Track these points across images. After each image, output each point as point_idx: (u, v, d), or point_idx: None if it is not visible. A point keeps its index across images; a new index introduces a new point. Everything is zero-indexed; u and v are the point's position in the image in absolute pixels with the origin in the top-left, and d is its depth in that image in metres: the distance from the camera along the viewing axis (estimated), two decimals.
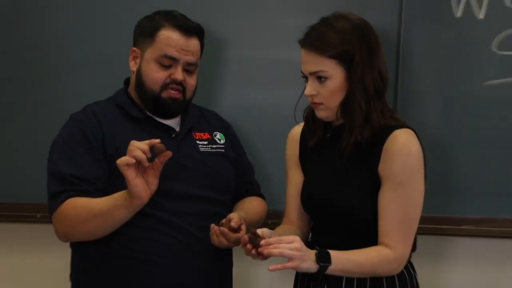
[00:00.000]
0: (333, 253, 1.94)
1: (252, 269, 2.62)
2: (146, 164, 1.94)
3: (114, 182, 2.09)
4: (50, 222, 2.13)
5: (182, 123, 2.24)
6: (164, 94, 2.16)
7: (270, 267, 1.87)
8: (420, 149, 2.01)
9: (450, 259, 2.72)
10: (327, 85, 2.01)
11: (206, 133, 2.28)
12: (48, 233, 2.18)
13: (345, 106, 2.03)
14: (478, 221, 2.60)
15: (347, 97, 2.02)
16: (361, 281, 2.04)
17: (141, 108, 2.21)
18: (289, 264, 1.88)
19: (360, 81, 2.00)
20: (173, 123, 2.23)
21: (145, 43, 2.17)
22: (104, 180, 2.12)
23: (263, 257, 1.93)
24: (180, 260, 2.12)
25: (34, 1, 2.64)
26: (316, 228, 2.19)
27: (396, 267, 2.02)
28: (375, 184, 2.02)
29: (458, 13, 2.56)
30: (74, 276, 2.24)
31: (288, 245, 1.89)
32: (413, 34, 2.58)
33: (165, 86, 2.16)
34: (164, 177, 1.99)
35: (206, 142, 2.25)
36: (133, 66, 2.21)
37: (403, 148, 1.99)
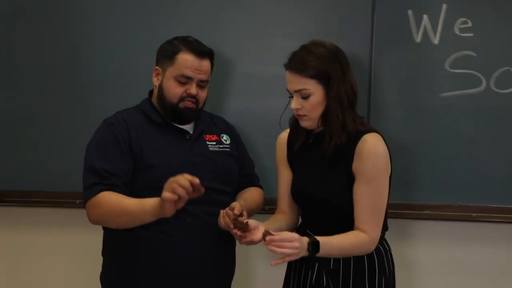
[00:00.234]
0: (321, 241, 2.01)
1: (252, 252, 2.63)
2: (186, 199, 1.99)
3: (138, 177, 2.20)
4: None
5: (195, 127, 2.31)
6: (181, 105, 2.25)
7: (273, 262, 1.97)
8: (386, 150, 2.11)
9: (414, 239, 2.85)
10: (309, 100, 2.09)
11: (214, 135, 2.36)
12: (85, 217, 2.23)
13: (325, 116, 2.11)
14: (436, 207, 2.73)
15: (326, 109, 2.10)
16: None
17: (161, 115, 2.28)
18: (288, 258, 1.98)
19: (336, 95, 2.08)
20: (188, 127, 2.31)
21: (166, 63, 2.26)
22: (130, 174, 2.19)
23: (247, 241, 2.04)
24: (192, 241, 2.19)
25: (72, 26, 2.77)
26: (304, 215, 2.30)
27: (370, 248, 2.12)
28: (350, 180, 2.11)
29: (418, 39, 2.70)
30: (105, 252, 2.35)
31: (290, 244, 1.95)
32: (382, 56, 2.71)
33: (182, 99, 2.24)
34: (180, 172, 2.01)
35: (214, 143, 2.34)
36: (156, 82, 2.30)
37: (372, 149, 2.07)
